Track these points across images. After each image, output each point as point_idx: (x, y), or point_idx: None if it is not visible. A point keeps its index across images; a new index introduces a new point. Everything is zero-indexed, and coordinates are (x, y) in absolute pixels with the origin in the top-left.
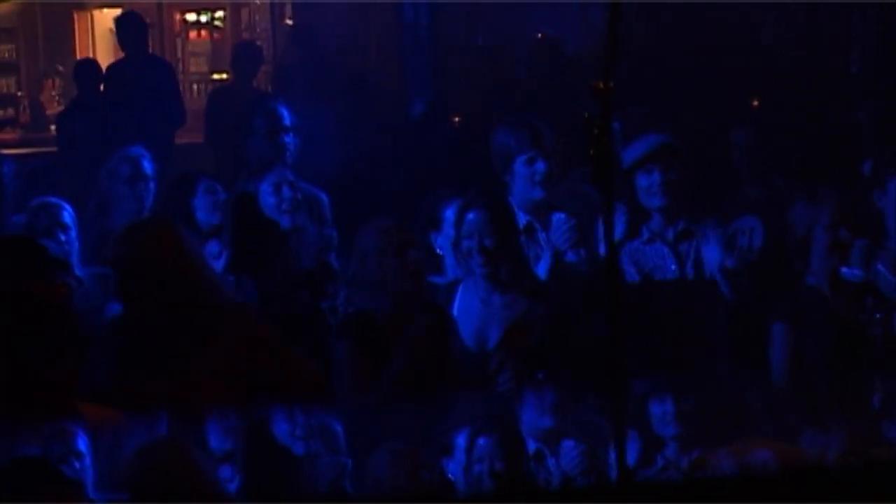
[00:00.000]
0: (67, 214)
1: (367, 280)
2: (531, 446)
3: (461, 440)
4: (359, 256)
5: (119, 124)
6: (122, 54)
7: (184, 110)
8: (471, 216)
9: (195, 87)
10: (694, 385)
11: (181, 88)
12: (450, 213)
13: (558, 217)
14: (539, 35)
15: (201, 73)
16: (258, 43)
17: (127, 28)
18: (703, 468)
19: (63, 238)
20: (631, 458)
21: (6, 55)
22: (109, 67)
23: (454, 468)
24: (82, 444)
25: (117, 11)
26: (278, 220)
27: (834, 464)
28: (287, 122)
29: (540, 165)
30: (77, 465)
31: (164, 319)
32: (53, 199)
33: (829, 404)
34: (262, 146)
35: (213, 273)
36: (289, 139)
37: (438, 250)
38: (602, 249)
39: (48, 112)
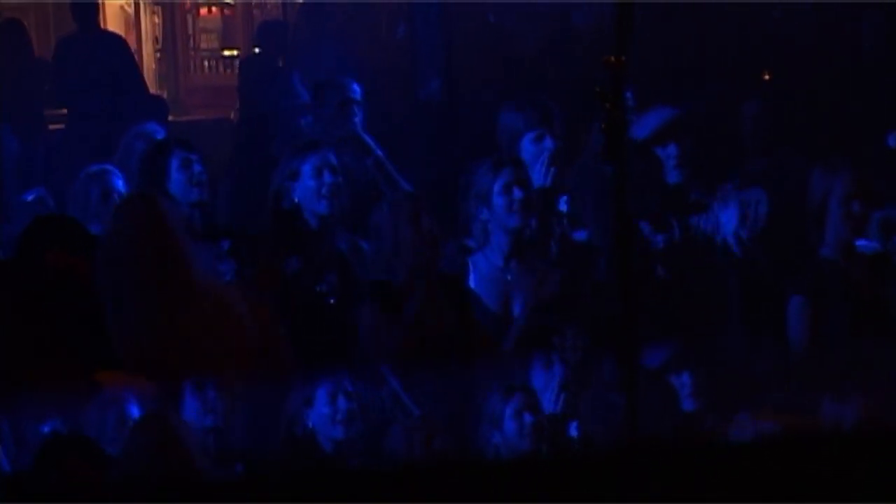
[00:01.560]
0: (119, 181)
1: (382, 252)
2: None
3: (502, 407)
4: (374, 229)
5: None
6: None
7: (143, 86)
8: (505, 170)
9: (206, 63)
10: (709, 356)
11: (192, 64)
12: (483, 176)
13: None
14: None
15: (212, 49)
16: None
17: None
18: (719, 438)
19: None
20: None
21: None
22: (59, 41)
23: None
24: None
25: None
26: (316, 206)
27: (850, 433)
28: (357, 95)
29: (548, 143)
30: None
31: (139, 294)
32: (106, 166)
33: (845, 375)
34: (332, 118)
35: (193, 249)
36: (358, 112)
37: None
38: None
39: None
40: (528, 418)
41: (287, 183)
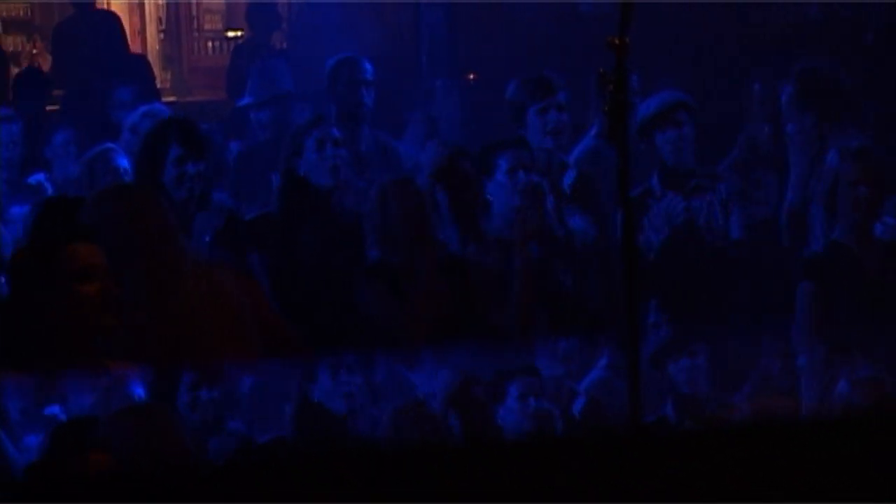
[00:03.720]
0: (123, 159)
1: (380, 233)
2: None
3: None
4: (370, 212)
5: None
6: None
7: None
8: (511, 152)
9: (210, 44)
10: (714, 341)
11: (196, 46)
12: (503, 161)
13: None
14: None
15: (216, 30)
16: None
17: None
18: (723, 422)
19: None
20: (650, 413)
21: (20, 13)
22: (57, 26)
23: (504, 414)
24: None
25: None
26: (318, 179)
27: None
28: (369, 75)
29: (552, 115)
30: None
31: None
32: (108, 145)
33: (854, 358)
34: (344, 95)
35: (182, 240)
36: (368, 92)
37: (488, 197)
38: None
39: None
40: (531, 402)
41: (293, 160)
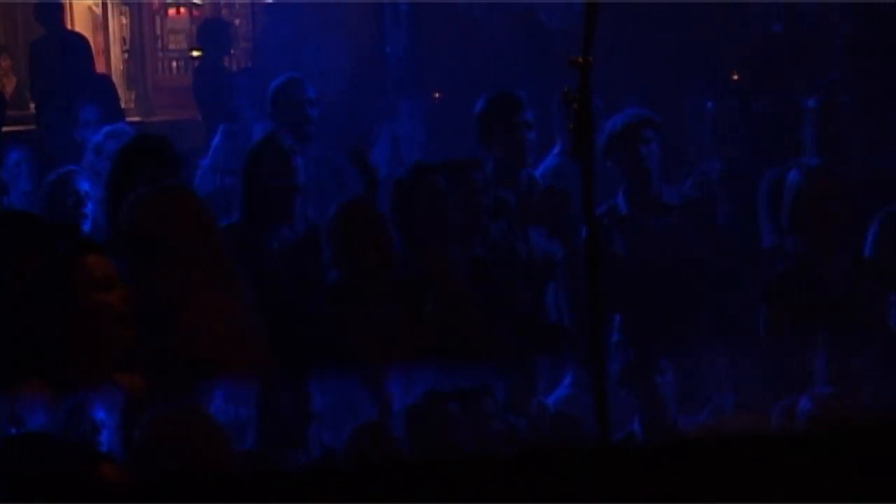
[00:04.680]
0: (84, 182)
1: (339, 255)
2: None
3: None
4: (329, 232)
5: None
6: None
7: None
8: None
9: (174, 64)
10: (684, 356)
11: (160, 66)
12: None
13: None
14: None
15: (180, 49)
16: (235, 20)
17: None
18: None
19: (85, 207)
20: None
21: None
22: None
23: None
24: (100, 414)
25: None
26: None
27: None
28: (312, 95)
29: (520, 133)
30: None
31: (176, 287)
32: (70, 167)
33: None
34: (288, 116)
35: (223, 241)
36: (313, 111)
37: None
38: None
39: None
40: (495, 419)
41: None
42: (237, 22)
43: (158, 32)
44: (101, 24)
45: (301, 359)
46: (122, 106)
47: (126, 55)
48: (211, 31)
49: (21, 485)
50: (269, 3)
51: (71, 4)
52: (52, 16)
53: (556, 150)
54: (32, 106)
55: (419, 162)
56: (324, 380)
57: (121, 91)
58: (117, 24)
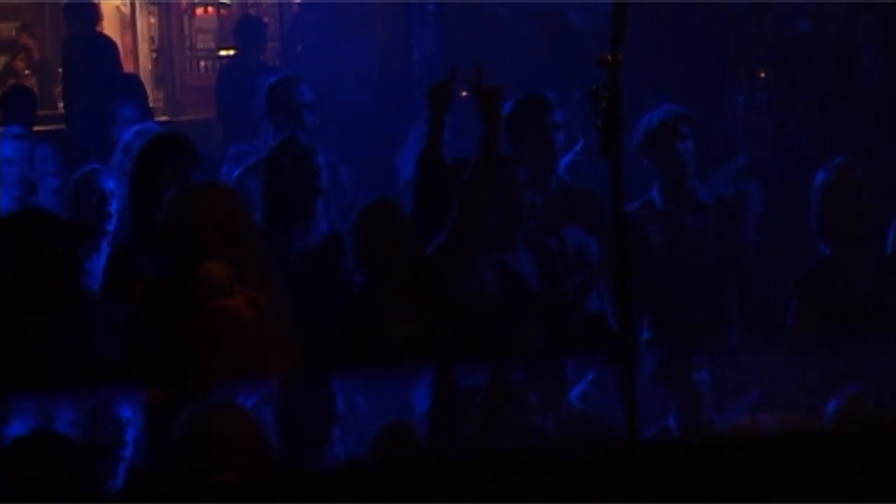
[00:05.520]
0: (109, 181)
1: (362, 256)
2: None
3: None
4: (351, 233)
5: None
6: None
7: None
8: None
9: (202, 63)
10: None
11: (188, 65)
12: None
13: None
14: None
15: (208, 49)
16: (264, 19)
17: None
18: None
19: (110, 206)
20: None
21: (13, 33)
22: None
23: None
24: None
25: None
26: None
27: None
28: (307, 97)
29: (552, 135)
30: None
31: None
32: (95, 166)
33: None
34: (284, 118)
35: (261, 241)
36: (308, 114)
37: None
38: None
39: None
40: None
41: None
42: (265, 20)
43: (186, 32)
44: (129, 24)
45: (325, 360)
46: (151, 105)
47: (154, 54)
48: (247, 29)
49: (30, 485)
50: (298, 3)
51: (100, 4)
52: (86, 16)
53: (577, 148)
54: (61, 105)
55: (458, 159)
56: (349, 380)
57: (149, 90)
58: (145, 24)
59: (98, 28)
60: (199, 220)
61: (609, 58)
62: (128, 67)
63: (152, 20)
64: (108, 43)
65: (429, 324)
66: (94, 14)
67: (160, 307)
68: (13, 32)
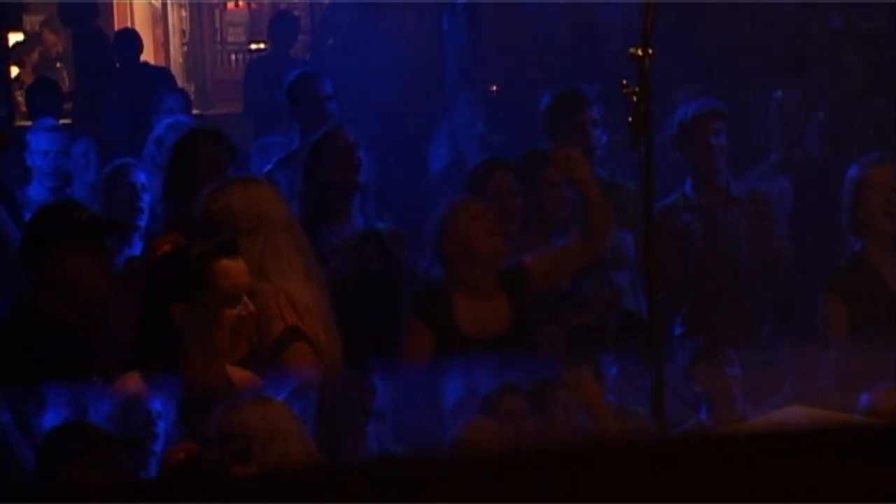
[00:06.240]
0: (141, 174)
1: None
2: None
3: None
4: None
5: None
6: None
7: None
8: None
9: (233, 56)
10: (748, 348)
11: (219, 58)
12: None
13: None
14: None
15: (239, 42)
16: (296, 13)
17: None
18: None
19: (141, 200)
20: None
21: (37, 27)
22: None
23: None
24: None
25: None
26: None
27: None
28: (329, 90)
29: (587, 129)
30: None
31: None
32: (126, 160)
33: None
34: (305, 112)
35: (301, 233)
36: (330, 106)
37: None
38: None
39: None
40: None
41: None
42: (296, 14)
43: (217, 26)
44: (161, 18)
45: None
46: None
47: (185, 48)
48: (280, 23)
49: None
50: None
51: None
52: (83, 13)
53: (602, 141)
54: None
55: (492, 157)
56: (388, 376)
57: (180, 83)
58: (177, 17)
59: (100, 22)
60: (238, 212)
61: (639, 52)
62: (159, 61)
63: (183, 14)
64: (106, 37)
65: (507, 324)
66: (92, 10)
67: (173, 272)
68: (37, 27)
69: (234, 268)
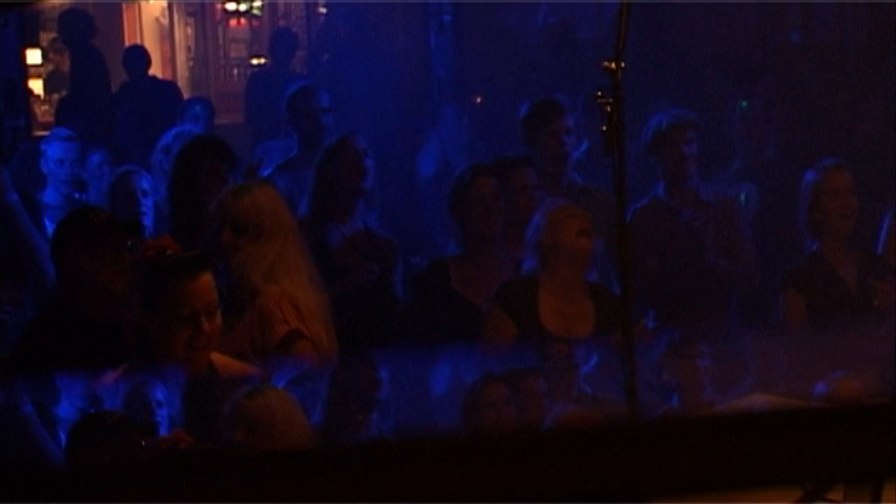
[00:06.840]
0: (144, 181)
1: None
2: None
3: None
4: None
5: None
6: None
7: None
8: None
9: (235, 71)
10: (715, 341)
11: (223, 72)
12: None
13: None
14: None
15: (240, 57)
16: (293, 30)
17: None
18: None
19: (142, 205)
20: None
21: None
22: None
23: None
24: (159, 394)
25: (164, 2)
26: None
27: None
28: (326, 103)
29: (564, 138)
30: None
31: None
32: (130, 167)
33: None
34: (304, 124)
35: (300, 236)
36: (328, 119)
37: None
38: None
39: None
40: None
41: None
42: (293, 31)
43: (221, 41)
44: (168, 34)
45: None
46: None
47: (191, 63)
48: (280, 40)
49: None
50: (324, 14)
51: (140, 16)
52: (78, 27)
53: (582, 148)
54: None
55: (476, 163)
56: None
57: (186, 96)
58: (183, 34)
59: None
60: (266, 211)
61: (612, 65)
62: (167, 75)
63: (189, 31)
64: (102, 57)
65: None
66: (89, 31)
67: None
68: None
69: (196, 288)
